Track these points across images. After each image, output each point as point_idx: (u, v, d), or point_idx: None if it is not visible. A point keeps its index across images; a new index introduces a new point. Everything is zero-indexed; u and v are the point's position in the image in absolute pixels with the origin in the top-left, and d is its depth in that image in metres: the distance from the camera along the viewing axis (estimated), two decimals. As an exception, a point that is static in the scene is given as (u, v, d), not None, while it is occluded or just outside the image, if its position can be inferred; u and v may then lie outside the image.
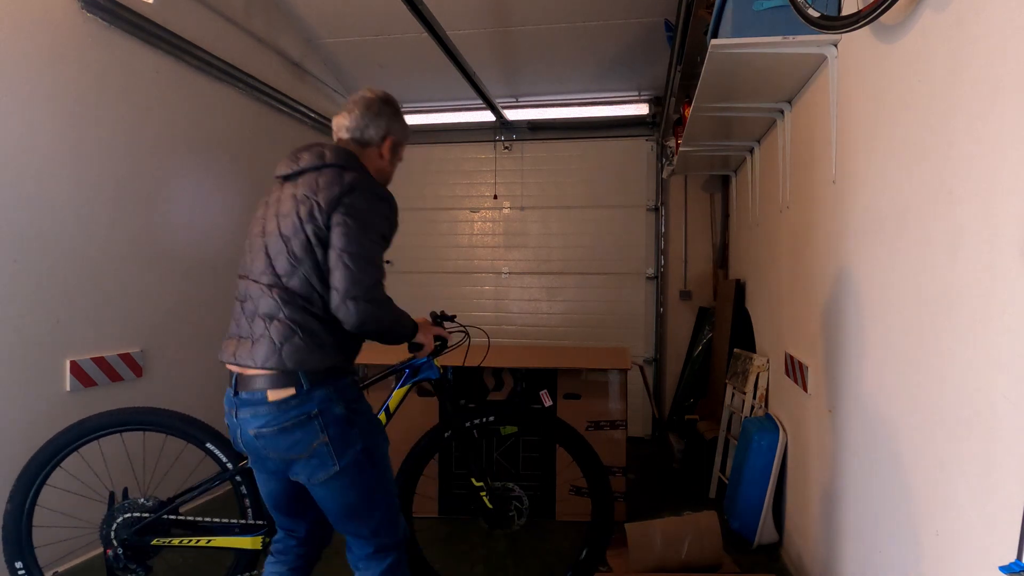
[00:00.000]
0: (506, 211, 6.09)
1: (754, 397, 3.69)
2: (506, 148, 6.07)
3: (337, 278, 1.75)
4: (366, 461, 1.84)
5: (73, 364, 3.04)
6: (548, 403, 3.53)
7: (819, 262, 2.66)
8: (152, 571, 2.38)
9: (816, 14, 1.96)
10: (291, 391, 1.76)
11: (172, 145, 3.70)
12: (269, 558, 2.12)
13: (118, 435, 2.45)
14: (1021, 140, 1.25)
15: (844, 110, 2.35)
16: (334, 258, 1.76)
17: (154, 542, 2.33)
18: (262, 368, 1.77)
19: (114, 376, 3.27)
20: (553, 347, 5.49)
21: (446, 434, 2.56)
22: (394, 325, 1.87)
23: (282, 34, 4.80)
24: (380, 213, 1.84)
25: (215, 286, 4.06)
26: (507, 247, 6.07)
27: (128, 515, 2.32)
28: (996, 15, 1.35)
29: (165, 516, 2.34)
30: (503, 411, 2.62)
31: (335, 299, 1.75)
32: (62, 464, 2.39)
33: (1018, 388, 1.25)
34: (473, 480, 2.52)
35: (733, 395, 4.11)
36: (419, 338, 2.12)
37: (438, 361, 2.45)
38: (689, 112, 3.49)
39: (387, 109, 2.03)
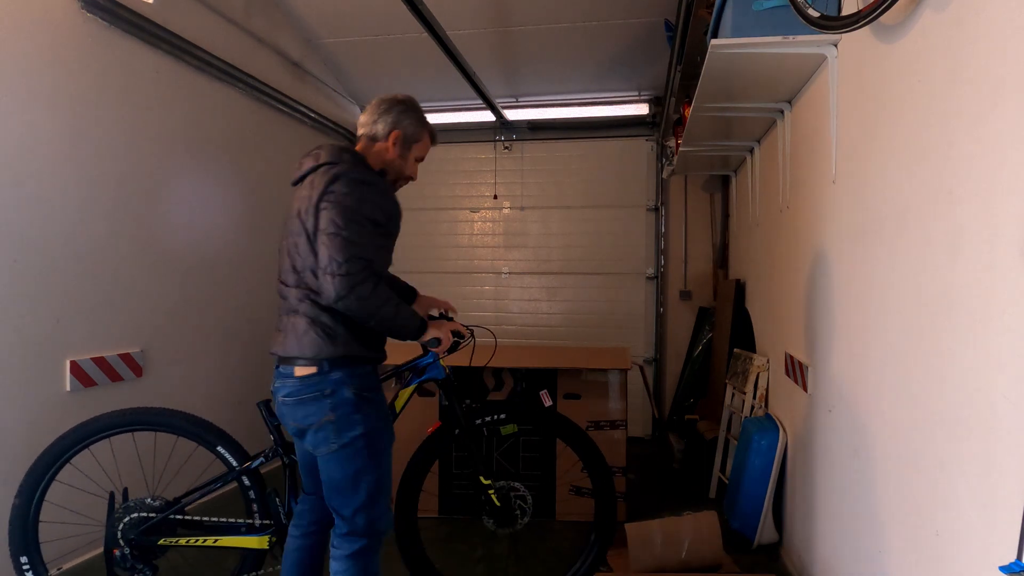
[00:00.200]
0: (506, 211, 6.09)
1: (754, 397, 3.69)
2: (506, 148, 6.07)
3: (319, 256, 1.90)
4: (363, 446, 2.00)
5: (73, 364, 3.04)
6: (548, 403, 3.53)
7: (819, 262, 2.66)
8: (159, 571, 2.39)
9: (816, 14, 1.96)
10: (313, 369, 1.97)
11: (172, 145, 3.70)
12: (292, 520, 2.29)
13: (127, 434, 2.46)
14: (1021, 140, 1.25)
15: (844, 110, 2.35)
16: (317, 242, 1.91)
17: (161, 542, 2.35)
18: (292, 361, 2.01)
19: (114, 376, 3.27)
20: (553, 347, 5.49)
21: (456, 431, 2.58)
22: (382, 307, 1.94)
23: (282, 34, 4.80)
24: (362, 197, 1.94)
25: (215, 286, 4.06)
26: (507, 247, 6.07)
27: (135, 515, 2.33)
28: (996, 15, 1.35)
29: (172, 516, 2.36)
30: (515, 410, 2.65)
31: (319, 279, 1.90)
32: (72, 461, 2.40)
33: (1018, 388, 1.25)
34: (481, 478, 2.54)
35: (733, 395, 4.11)
36: (434, 333, 2.18)
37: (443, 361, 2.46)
38: (689, 112, 3.49)
39: (399, 107, 2.15)
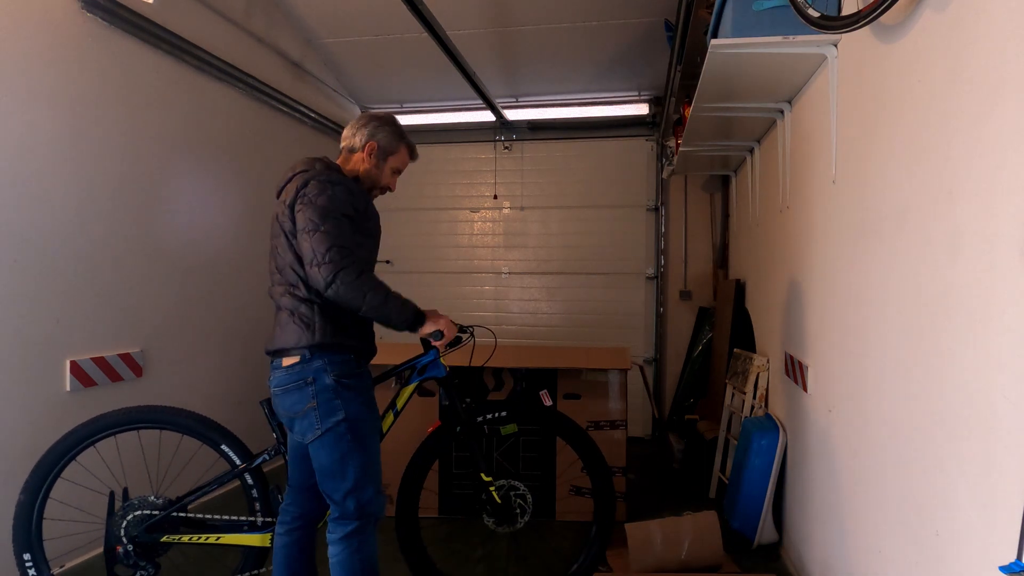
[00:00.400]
0: (506, 211, 6.09)
1: (754, 397, 3.69)
2: (506, 148, 6.07)
3: (304, 253, 2.05)
4: (345, 431, 2.10)
5: (73, 364, 3.04)
6: (548, 403, 3.53)
7: (819, 262, 2.66)
8: (161, 569, 2.41)
9: (816, 14, 1.96)
10: (296, 359, 2.11)
11: (172, 145, 3.70)
12: (278, 517, 2.34)
13: (131, 433, 2.47)
14: (1021, 140, 1.25)
15: (844, 110, 2.35)
16: (299, 241, 2.07)
17: (164, 539, 2.37)
18: (279, 352, 2.15)
19: (114, 376, 3.27)
20: (553, 347, 5.49)
21: (457, 430, 2.59)
22: (369, 293, 2.05)
23: (282, 34, 4.80)
24: (332, 195, 2.08)
25: (215, 286, 4.06)
26: (507, 247, 6.07)
27: (138, 512, 2.36)
28: (996, 15, 1.35)
29: (175, 514, 2.38)
30: (516, 408, 2.66)
31: (308, 272, 2.05)
32: (76, 459, 2.41)
33: (1018, 388, 1.25)
34: (482, 476, 2.55)
35: (733, 395, 4.11)
36: (433, 327, 2.27)
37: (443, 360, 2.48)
38: (689, 112, 3.49)
39: (375, 121, 2.32)
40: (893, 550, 1.85)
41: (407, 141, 2.38)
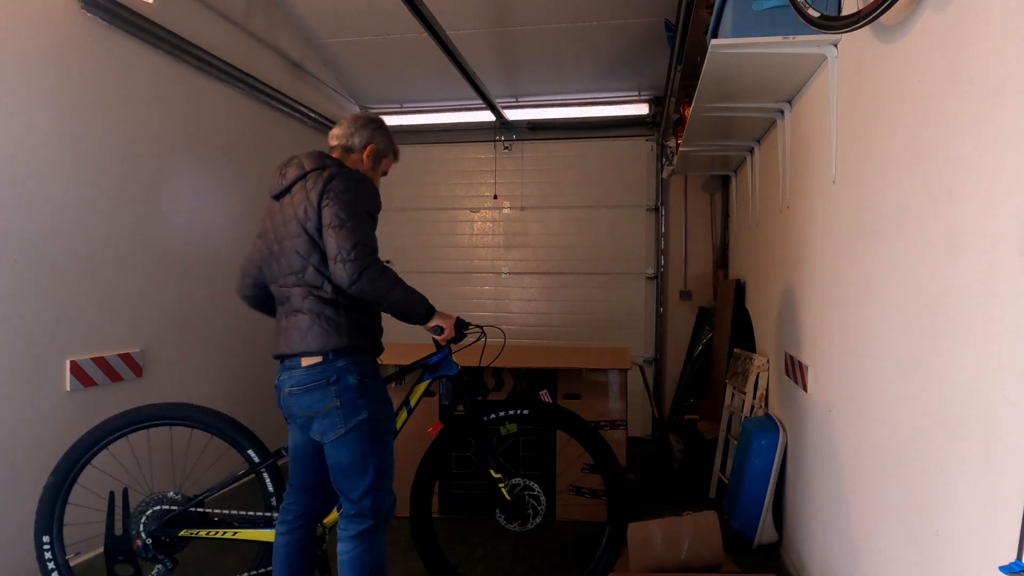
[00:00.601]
0: (506, 211, 6.09)
1: (754, 397, 3.69)
2: (506, 148, 6.07)
3: (328, 248, 2.03)
4: (368, 430, 2.10)
5: (73, 364, 3.04)
6: (557, 405, 3.53)
7: (819, 262, 2.66)
8: (178, 564, 2.44)
9: (816, 14, 1.96)
10: (319, 359, 2.08)
11: (172, 145, 3.70)
12: (278, 516, 2.33)
13: (145, 431, 2.50)
14: (1021, 140, 1.25)
15: (844, 110, 2.35)
16: (324, 236, 2.04)
17: (182, 533, 2.41)
18: (298, 355, 2.11)
19: (114, 376, 3.27)
20: (553, 347, 5.49)
21: (460, 429, 2.62)
22: (394, 288, 2.08)
23: (282, 34, 4.80)
24: (359, 192, 2.10)
25: (215, 286, 4.06)
26: (507, 247, 6.07)
27: (157, 508, 2.40)
28: (996, 15, 1.35)
29: (192, 509, 2.42)
30: (536, 408, 2.70)
31: (331, 268, 2.02)
32: (107, 449, 2.44)
33: (1018, 388, 1.25)
34: (492, 472, 2.56)
35: (733, 395, 4.11)
36: (438, 321, 2.30)
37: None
38: (689, 112, 3.49)
39: (373, 124, 2.33)
40: (893, 550, 1.85)
41: (395, 146, 2.42)
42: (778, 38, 2.43)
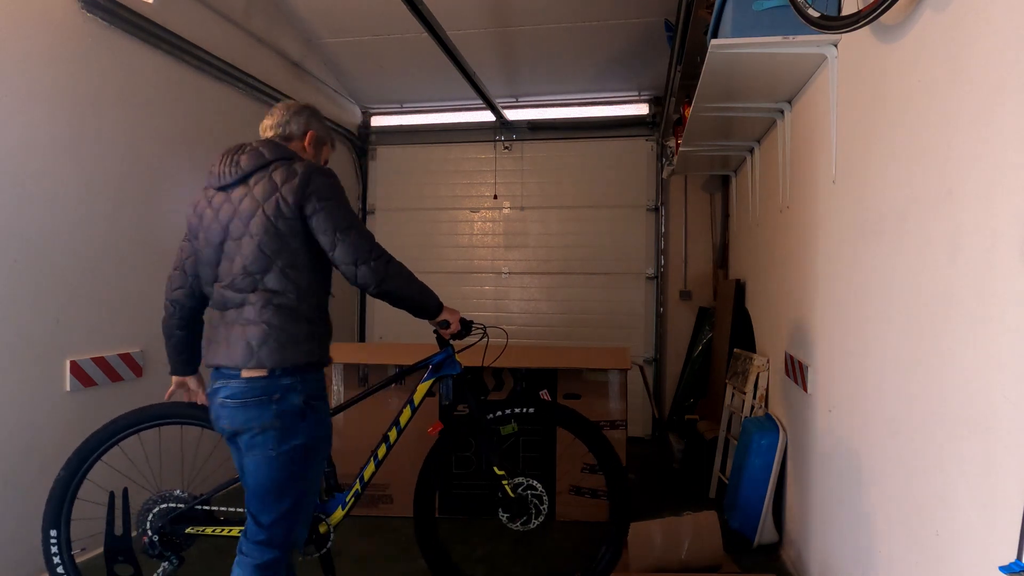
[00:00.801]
0: (506, 211, 6.09)
1: (754, 397, 3.69)
2: (506, 148, 6.07)
3: (340, 253, 1.92)
4: (299, 457, 1.93)
5: (73, 364, 3.04)
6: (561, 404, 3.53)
7: (819, 262, 2.66)
8: (184, 561, 2.45)
9: (816, 14, 1.96)
10: (263, 372, 1.88)
11: (172, 145, 3.70)
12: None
13: (155, 430, 2.51)
14: (1021, 140, 1.25)
15: (844, 110, 2.35)
16: (327, 240, 1.92)
17: (188, 531, 2.42)
18: (242, 367, 1.89)
19: (114, 376, 3.27)
20: (553, 347, 5.49)
21: (467, 427, 2.62)
22: (412, 282, 2.07)
23: (282, 34, 4.80)
24: (338, 186, 1.99)
25: (215, 286, 4.05)
26: (507, 247, 6.07)
27: (164, 505, 2.41)
28: (996, 15, 1.35)
29: (199, 507, 2.43)
30: (542, 406, 2.70)
31: (348, 272, 1.94)
32: (118, 446, 2.44)
33: (1018, 388, 1.25)
34: (495, 469, 2.56)
35: (733, 395, 4.11)
36: (446, 315, 2.29)
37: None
38: (689, 112, 3.49)
39: (306, 111, 2.18)
40: (893, 550, 1.85)
41: (332, 134, 2.30)
42: (778, 38, 2.43)
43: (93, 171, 3.18)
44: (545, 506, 2.61)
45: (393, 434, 2.51)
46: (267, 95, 4.53)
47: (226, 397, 1.91)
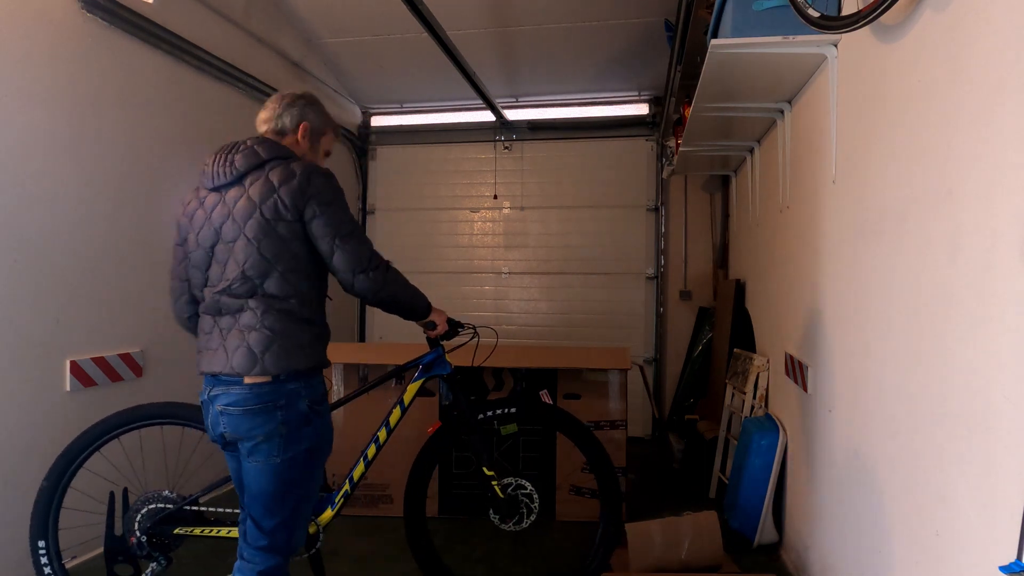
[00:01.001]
0: (506, 211, 6.09)
1: (754, 397, 3.69)
2: (506, 148, 6.07)
3: (339, 260, 1.88)
4: (303, 461, 1.91)
5: (73, 364, 3.04)
6: (548, 403, 3.53)
7: (819, 262, 2.66)
8: (172, 562, 2.44)
9: (816, 14, 1.96)
10: (267, 378, 1.83)
11: (172, 145, 3.70)
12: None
13: (144, 430, 2.50)
14: (1021, 140, 1.25)
15: (844, 110, 2.35)
16: (326, 246, 1.87)
17: (176, 531, 2.40)
18: (244, 374, 1.83)
19: (114, 376, 3.27)
20: (553, 347, 5.49)
21: (460, 428, 2.61)
22: (406, 287, 2.05)
23: (282, 34, 4.80)
24: (336, 187, 1.93)
25: (215, 286, 4.06)
26: (507, 247, 6.07)
27: (152, 506, 2.40)
28: (996, 15, 1.35)
29: (187, 508, 2.42)
30: (523, 406, 2.69)
31: (345, 280, 1.90)
32: (100, 451, 2.44)
33: (1018, 388, 1.25)
34: (485, 469, 2.55)
35: (733, 395, 4.11)
36: (433, 317, 2.28)
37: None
38: (689, 112, 3.49)
39: (301, 101, 2.08)
40: (893, 550, 1.85)
41: (332, 122, 2.18)
42: (778, 38, 2.43)
43: (93, 171, 3.18)
44: (536, 505, 2.59)
45: (383, 434, 2.49)
46: (267, 95, 4.50)
47: (228, 405, 1.84)
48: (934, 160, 1.61)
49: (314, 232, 1.87)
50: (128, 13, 3.29)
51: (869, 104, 2.09)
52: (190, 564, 2.90)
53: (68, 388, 3.02)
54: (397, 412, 2.50)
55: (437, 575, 2.62)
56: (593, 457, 2.66)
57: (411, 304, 2.11)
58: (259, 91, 4.43)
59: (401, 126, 6.24)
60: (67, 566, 2.44)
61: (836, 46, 2.42)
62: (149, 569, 2.39)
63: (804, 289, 2.88)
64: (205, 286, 1.95)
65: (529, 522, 2.59)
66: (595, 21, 4.69)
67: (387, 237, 6.18)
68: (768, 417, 3.42)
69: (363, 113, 6.25)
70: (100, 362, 3.19)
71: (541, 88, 5.74)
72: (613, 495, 2.66)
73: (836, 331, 2.42)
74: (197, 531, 2.42)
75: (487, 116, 5.68)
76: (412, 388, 2.52)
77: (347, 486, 2.44)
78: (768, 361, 3.64)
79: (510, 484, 2.59)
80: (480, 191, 6.13)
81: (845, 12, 2.19)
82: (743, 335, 4.28)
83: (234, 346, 1.84)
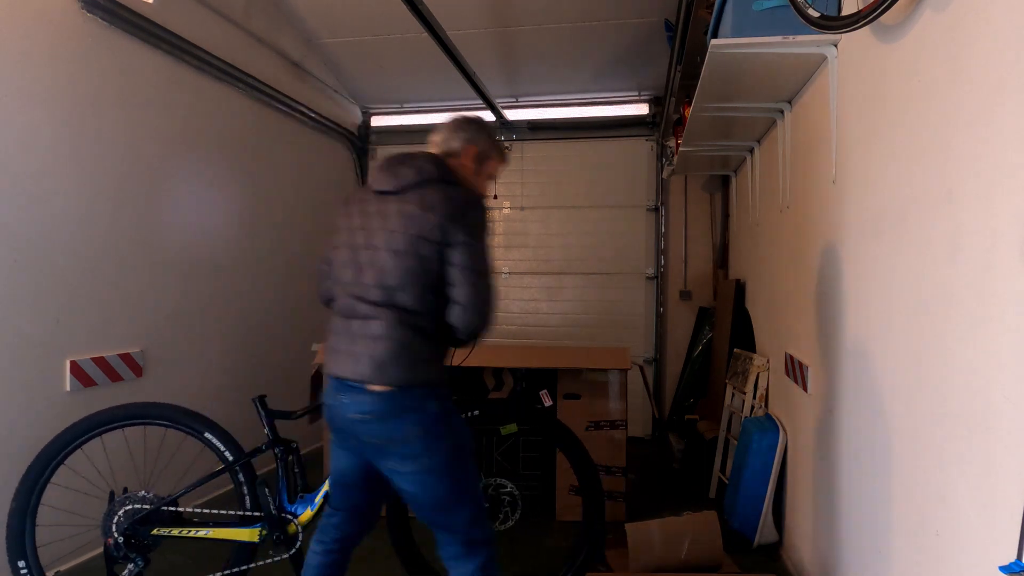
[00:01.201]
0: (506, 211, 6.09)
1: (754, 397, 3.69)
2: (506, 148, 6.06)
3: (462, 294, 1.85)
4: (454, 457, 1.91)
5: (73, 364, 3.04)
6: (548, 403, 3.53)
7: (819, 262, 2.66)
8: (151, 563, 2.41)
9: (816, 14, 1.96)
10: (392, 388, 1.82)
11: (172, 145, 3.70)
12: (314, 535, 2.18)
13: (119, 432, 2.47)
14: (1021, 140, 1.25)
15: (844, 110, 2.35)
16: (457, 274, 1.85)
17: (154, 532, 2.38)
18: (368, 383, 1.83)
19: (114, 376, 3.27)
20: (553, 347, 5.49)
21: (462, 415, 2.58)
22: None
23: (282, 34, 4.79)
24: (486, 223, 1.94)
25: (215, 286, 4.06)
26: (507, 247, 6.07)
27: (129, 507, 2.37)
28: (996, 15, 1.35)
29: (165, 508, 2.39)
30: (488, 405, 2.66)
31: (456, 311, 1.86)
32: (65, 462, 2.40)
33: (1018, 388, 1.25)
34: None
35: (733, 395, 4.11)
36: None
37: None
38: (689, 112, 3.49)
39: (471, 125, 2.12)
40: (893, 550, 1.85)
41: (499, 145, 2.20)
42: (778, 38, 2.43)
43: (93, 171, 3.18)
44: (520, 503, 2.58)
45: None
46: (267, 95, 4.53)
47: (360, 413, 1.85)
48: (934, 160, 1.61)
49: (451, 259, 1.85)
50: (128, 13, 3.29)
51: (869, 104, 2.09)
52: (191, 565, 2.89)
53: (68, 388, 3.02)
54: None
55: (419, 572, 2.62)
56: (570, 453, 2.63)
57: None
58: (259, 91, 4.44)
59: (401, 126, 6.24)
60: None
61: (836, 46, 2.42)
62: (127, 571, 2.36)
63: (804, 289, 2.88)
64: (342, 284, 1.95)
65: (514, 520, 2.57)
66: (595, 21, 4.69)
67: (387, 237, 6.17)
68: (768, 417, 3.42)
69: (363, 113, 6.25)
70: (100, 362, 3.19)
71: (541, 88, 5.74)
72: (594, 492, 2.64)
73: (836, 331, 2.42)
74: (176, 532, 2.39)
75: (487, 116, 5.68)
76: None
77: (326, 486, 2.42)
78: (768, 361, 3.64)
79: (491, 484, 2.58)
80: (480, 191, 6.12)
81: (845, 12, 2.19)
82: (743, 335, 4.28)
83: (362, 353, 1.84)
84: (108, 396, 3.20)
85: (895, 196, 1.86)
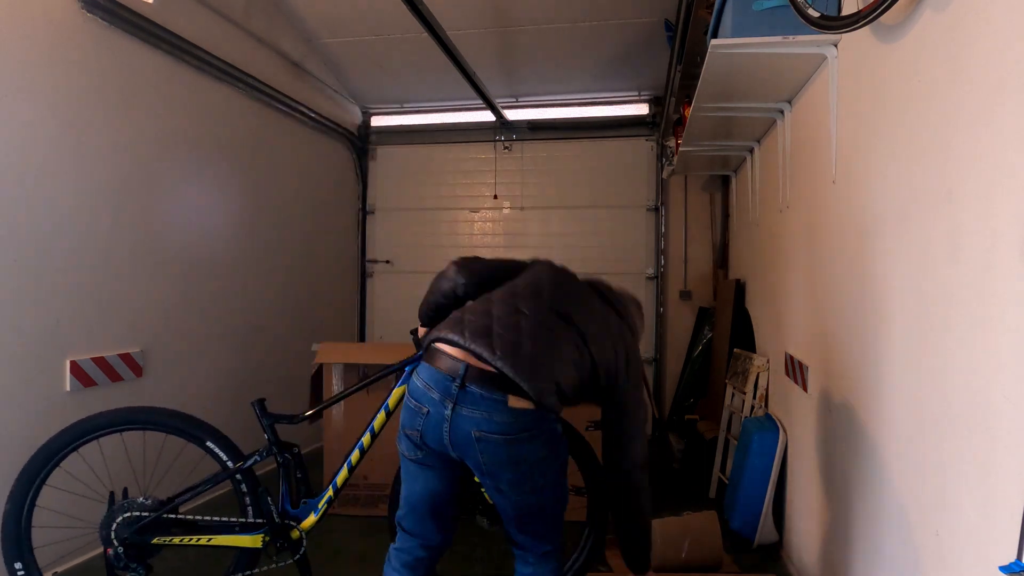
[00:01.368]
0: (506, 211, 6.09)
1: (754, 397, 3.69)
2: (506, 148, 6.07)
3: (629, 424, 1.99)
4: (561, 472, 1.92)
5: (73, 364, 3.04)
6: None
7: (819, 262, 2.66)
8: (152, 570, 2.39)
9: (816, 14, 1.96)
10: (530, 404, 1.73)
11: (172, 145, 3.70)
12: (391, 565, 2.08)
13: (118, 435, 2.45)
14: (1021, 140, 1.25)
15: (844, 110, 2.35)
16: (633, 400, 2.00)
17: (154, 540, 2.34)
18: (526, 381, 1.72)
19: (114, 376, 3.27)
20: (553, 347, 5.47)
21: None
22: None
23: (282, 34, 4.80)
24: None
25: (215, 286, 4.06)
26: (507, 247, 6.06)
27: (128, 514, 2.33)
28: (996, 15, 1.35)
29: (165, 515, 2.35)
30: None
31: (626, 432, 1.99)
32: (61, 464, 2.39)
33: (1018, 388, 1.25)
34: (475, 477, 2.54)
35: (733, 395, 4.11)
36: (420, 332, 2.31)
37: None
38: (689, 112, 3.49)
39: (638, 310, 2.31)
40: (893, 550, 1.85)
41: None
42: (778, 38, 2.43)
43: (93, 171, 3.18)
44: None
45: (367, 439, 2.43)
46: (267, 95, 4.54)
47: (492, 432, 1.72)
48: (934, 160, 1.61)
49: (623, 385, 1.99)
50: (128, 13, 3.29)
51: (869, 104, 2.09)
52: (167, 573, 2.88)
53: (68, 388, 3.02)
54: (382, 416, 2.45)
55: None
56: (579, 457, 2.63)
57: None
58: (259, 91, 4.44)
59: (401, 126, 6.24)
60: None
61: (836, 46, 2.42)
62: None
63: (804, 289, 2.88)
64: (485, 330, 1.81)
65: None
66: (595, 21, 4.69)
67: (387, 237, 6.18)
68: (768, 417, 3.42)
69: (363, 113, 6.25)
70: (100, 362, 3.19)
71: (541, 88, 5.75)
72: (600, 492, 2.64)
73: (836, 331, 2.42)
74: (176, 540, 2.36)
75: (487, 116, 5.68)
76: (397, 392, 2.46)
77: (330, 492, 2.42)
78: (768, 361, 3.64)
79: None
80: (480, 191, 6.13)
81: (845, 12, 2.19)
82: (743, 335, 4.28)
83: (516, 359, 1.77)
84: (108, 396, 3.20)
85: (895, 196, 1.86)
